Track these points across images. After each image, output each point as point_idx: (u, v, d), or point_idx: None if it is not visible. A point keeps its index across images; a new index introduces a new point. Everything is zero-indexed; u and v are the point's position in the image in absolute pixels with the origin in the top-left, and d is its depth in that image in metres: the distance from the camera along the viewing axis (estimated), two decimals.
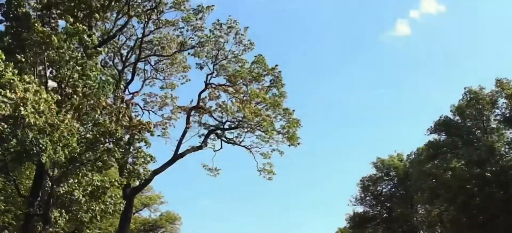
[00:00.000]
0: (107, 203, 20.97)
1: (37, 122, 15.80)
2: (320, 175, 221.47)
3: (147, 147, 21.64)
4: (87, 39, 19.12)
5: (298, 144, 33.07)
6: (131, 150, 21.98)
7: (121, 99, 28.19)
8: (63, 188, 20.03)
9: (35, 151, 16.57)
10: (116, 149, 20.37)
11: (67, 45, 18.59)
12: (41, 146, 16.47)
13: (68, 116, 18.26)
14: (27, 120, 15.56)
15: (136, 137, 21.31)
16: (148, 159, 21.50)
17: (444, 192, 38.81)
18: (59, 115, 17.06)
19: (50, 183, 21.27)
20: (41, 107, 16.08)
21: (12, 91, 15.09)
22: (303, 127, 33.15)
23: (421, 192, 46.55)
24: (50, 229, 22.08)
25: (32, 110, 15.68)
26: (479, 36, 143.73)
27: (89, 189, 20.45)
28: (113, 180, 21.65)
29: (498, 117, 37.79)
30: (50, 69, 20.08)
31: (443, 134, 40.40)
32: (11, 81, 15.08)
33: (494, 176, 33.99)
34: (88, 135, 20.39)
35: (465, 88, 38.86)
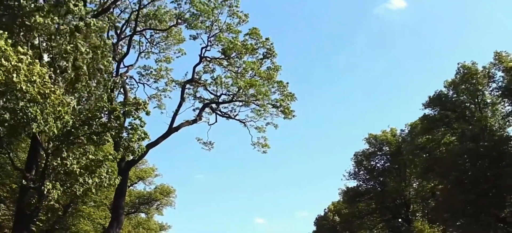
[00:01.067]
0: (102, 177, 21.00)
1: (29, 90, 15.72)
2: (314, 149, 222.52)
3: (142, 126, 21.62)
4: (73, 8, 18.82)
5: (293, 116, 33.13)
6: (126, 125, 21.96)
7: (116, 72, 28.11)
8: (58, 161, 20.03)
9: (24, 120, 16.53)
10: (111, 124, 20.37)
11: (53, 15, 18.34)
12: (30, 114, 16.42)
13: (62, 88, 18.17)
14: (18, 86, 15.49)
15: (132, 114, 21.24)
16: (143, 135, 21.49)
17: (437, 166, 39.12)
18: (51, 86, 16.93)
19: (45, 156, 21.29)
20: (34, 78, 15.99)
21: (5, 59, 14.98)
22: (297, 101, 33.15)
23: (414, 166, 46.93)
24: (45, 202, 22.17)
25: (25, 78, 15.60)
26: (476, 9, 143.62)
27: (84, 162, 20.46)
28: (108, 154, 21.68)
29: (494, 91, 37.83)
30: (45, 42, 19.89)
31: (437, 109, 40.52)
32: (4, 49, 14.95)
33: (486, 151, 34.18)
34: (83, 109, 20.33)
35: (458, 64, 38.90)
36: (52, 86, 16.85)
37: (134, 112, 20.74)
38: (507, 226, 34.48)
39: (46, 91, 16.36)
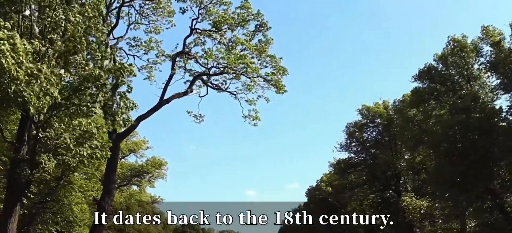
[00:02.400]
0: (94, 148, 21.03)
1: (19, 75, 15.60)
2: (306, 121, 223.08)
3: (129, 91, 21.51)
4: None
5: (285, 91, 33.09)
6: (115, 95, 21.91)
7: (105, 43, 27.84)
8: (49, 133, 20.02)
9: (19, 102, 16.48)
10: (99, 93, 20.28)
11: None
12: (25, 98, 16.35)
13: (52, 63, 18.03)
14: (7, 70, 15.36)
15: (119, 80, 21.11)
16: (131, 105, 21.41)
17: (428, 138, 39.39)
18: (38, 64, 16.79)
19: (35, 129, 21.25)
20: (20, 59, 15.82)
21: None
22: (289, 74, 33.10)
23: (405, 139, 47.24)
24: (37, 174, 22.21)
25: (13, 62, 15.44)
26: None
27: (75, 134, 20.44)
28: (99, 125, 21.66)
29: (482, 66, 37.96)
30: (36, 13, 19.68)
31: (427, 82, 40.65)
32: None
33: (477, 122, 34.40)
34: (72, 80, 20.22)
35: (448, 37, 38.96)
36: (39, 64, 16.68)
37: (119, 74, 20.44)
38: (495, 197, 34.88)
39: (34, 72, 16.21)
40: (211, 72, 33.26)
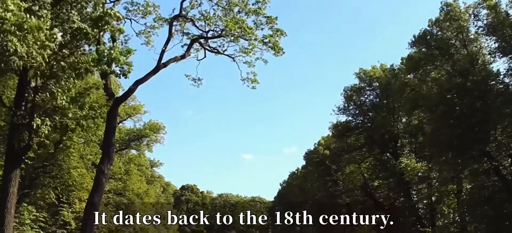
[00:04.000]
0: (91, 108, 21.05)
1: (6, 16, 15.38)
2: (304, 85, 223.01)
3: (119, 34, 21.21)
4: None
5: (282, 53, 32.91)
6: (109, 47, 21.65)
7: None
8: (46, 96, 20.00)
9: (7, 54, 16.26)
10: (92, 49, 20.14)
11: None
12: (9, 48, 16.13)
13: (47, 20, 17.81)
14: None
15: (106, 28, 20.73)
16: (126, 53, 21.15)
17: (424, 102, 39.48)
18: (25, 15, 16.52)
19: (32, 93, 21.23)
20: (10, 8, 15.60)
21: None
22: (287, 36, 32.83)
23: (402, 102, 47.37)
24: (36, 139, 22.28)
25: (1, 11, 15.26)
26: None
27: (72, 94, 20.39)
28: (95, 83, 21.62)
29: (480, 29, 37.77)
30: None
31: (424, 47, 40.54)
32: None
33: (474, 85, 34.44)
34: (68, 41, 20.02)
35: (441, 2, 38.63)
36: (28, 15, 16.42)
37: (105, 21, 20.05)
38: (492, 160, 35.16)
39: (23, 20, 15.95)
40: (208, 35, 33.01)
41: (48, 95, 20.01)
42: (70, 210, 47.67)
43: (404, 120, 53.28)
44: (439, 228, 48.88)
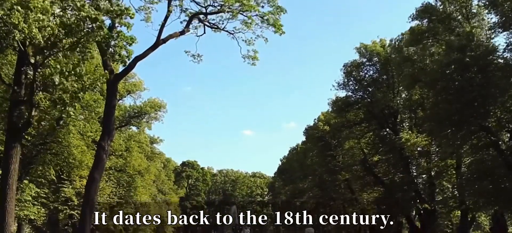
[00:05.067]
0: (89, 79, 21.10)
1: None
2: (304, 61, 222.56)
3: (128, 30, 21.44)
4: None
5: (282, 33, 32.81)
6: (112, 33, 21.76)
7: None
8: (45, 73, 20.02)
9: (7, 29, 16.28)
10: (96, 32, 20.18)
11: None
12: (13, 21, 16.16)
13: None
14: None
15: (117, 21, 21.00)
16: (130, 40, 21.34)
17: (425, 76, 39.46)
18: None
19: (32, 70, 21.24)
20: None
21: None
22: (288, 13, 32.73)
23: (402, 77, 47.31)
24: (36, 116, 22.32)
25: None
26: None
27: (68, 68, 20.43)
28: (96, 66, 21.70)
29: (481, 3, 37.55)
30: None
31: (425, 21, 40.34)
32: None
33: (473, 61, 34.38)
34: (68, 20, 20.01)
35: None
36: None
37: (119, 19, 20.39)
38: (490, 135, 35.25)
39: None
40: (207, 11, 32.89)
41: (47, 71, 20.03)
42: (71, 186, 48.03)
43: (404, 95, 53.26)
44: (438, 202, 49.23)
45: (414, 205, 50.52)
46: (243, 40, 33.42)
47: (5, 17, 16.06)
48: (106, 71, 27.29)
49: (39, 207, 38.71)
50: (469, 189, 40.01)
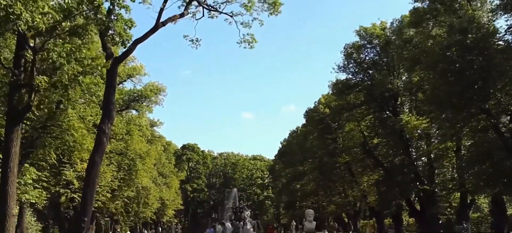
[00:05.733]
0: (89, 64, 21.11)
1: None
2: (303, 43, 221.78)
3: (127, 13, 21.36)
4: None
5: (279, 12, 32.71)
6: (111, 16, 21.68)
7: None
8: (45, 55, 20.03)
9: (10, 18, 16.30)
10: (95, 15, 20.13)
11: None
12: (15, 12, 16.16)
13: None
14: None
15: (115, 3, 20.92)
16: (129, 23, 21.30)
17: (425, 59, 39.37)
18: None
19: (32, 53, 21.22)
20: None
21: None
22: None
23: (403, 59, 47.21)
24: (36, 99, 22.34)
25: None
26: None
27: (67, 50, 20.42)
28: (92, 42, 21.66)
29: None
30: None
31: (427, 2, 40.14)
32: None
33: (474, 43, 34.27)
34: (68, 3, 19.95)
35: None
36: None
37: (117, 0, 20.31)
38: (491, 117, 35.26)
39: None
40: None
41: (46, 55, 20.03)
42: (72, 170, 48.20)
43: (404, 77, 53.20)
44: (438, 185, 49.43)
45: (414, 187, 50.68)
46: (240, 23, 33.37)
47: (7, 7, 16.01)
48: (105, 56, 27.36)
49: (40, 190, 38.86)
50: (468, 172, 40.17)
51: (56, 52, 20.33)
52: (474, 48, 34.22)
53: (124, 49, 28.59)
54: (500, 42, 35.10)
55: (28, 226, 48.88)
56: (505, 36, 34.80)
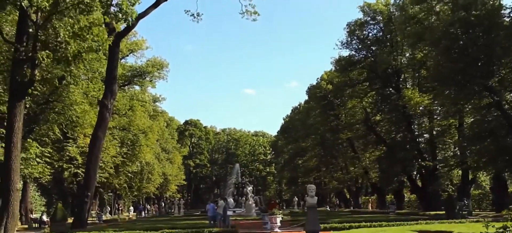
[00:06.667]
0: (92, 41, 21.06)
1: None
2: (307, 19, 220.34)
3: None
4: None
5: None
6: None
7: None
8: (48, 31, 19.99)
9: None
10: None
11: None
12: None
13: None
14: None
15: None
16: (133, 0, 21.19)
17: (429, 35, 39.17)
18: None
19: (34, 28, 21.18)
20: None
21: None
22: None
23: (406, 36, 46.96)
24: (38, 74, 22.35)
25: None
26: None
27: (74, 29, 20.37)
28: (96, 19, 21.58)
29: None
30: None
31: None
32: None
33: (478, 20, 34.06)
34: None
35: None
36: None
37: None
38: (494, 94, 35.19)
39: None
40: None
41: (50, 31, 19.99)
42: (75, 145, 48.42)
43: (407, 54, 52.97)
44: (439, 161, 49.54)
45: (415, 164, 50.83)
46: None
47: None
48: (108, 32, 27.26)
49: (43, 165, 39.09)
50: (470, 149, 40.23)
51: (62, 28, 20.31)
52: (478, 24, 34.01)
53: (127, 25, 28.55)
54: (505, 19, 34.89)
55: (32, 201, 49.28)
56: (511, 13, 34.58)
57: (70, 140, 48.16)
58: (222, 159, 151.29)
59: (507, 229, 6.21)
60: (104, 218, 52.68)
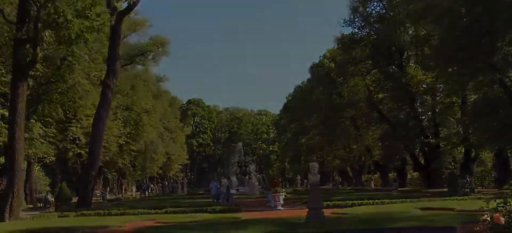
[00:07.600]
0: (94, 20, 21.02)
1: None
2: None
3: None
4: None
5: None
6: None
7: None
8: (50, 10, 19.94)
9: None
10: None
11: None
12: None
13: None
14: None
15: None
16: None
17: (432, 12, 38.87)
18: None
19: (36, 8, 21.13)
20: None
21: None
22: None
23: (409, 13, 46.63)
24: (40, 53, 22.33)
25: None
26: None
27: (78, 8, 20.34)
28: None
29: None
30: None
31: None
32: None
33: None
34: None
35: None
36: None
37: None
38: (497, 72, 35.03)
39: None
40: None
41: (53, 10, 19.93)
42: (79, 125, 48.52)
43: (410, 31, 52.63)
44: (442, 139, 49.55)
45: (418, 141, 50.86)
46: None
47: None
48: (110, 11, 27.17)
49: (47, 145, 39.20)
50: (473, 126, 40.20)
51: (66, 7, 20.26)
52: (481, 1, 33.71)
53: (128, 4, 28.44)
54: None
55: (37, 181, 49.53)
56: None
57: (73, 120, 48.22)
58: (225, 138, 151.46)
59: (508, 204, 6.26)
60: (108, 197, 52.98)
